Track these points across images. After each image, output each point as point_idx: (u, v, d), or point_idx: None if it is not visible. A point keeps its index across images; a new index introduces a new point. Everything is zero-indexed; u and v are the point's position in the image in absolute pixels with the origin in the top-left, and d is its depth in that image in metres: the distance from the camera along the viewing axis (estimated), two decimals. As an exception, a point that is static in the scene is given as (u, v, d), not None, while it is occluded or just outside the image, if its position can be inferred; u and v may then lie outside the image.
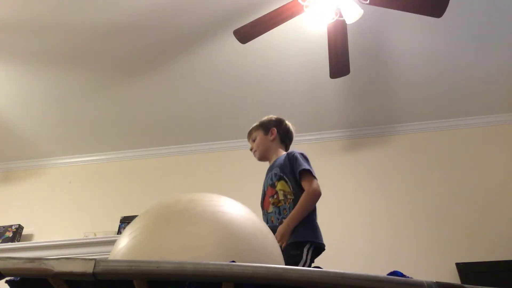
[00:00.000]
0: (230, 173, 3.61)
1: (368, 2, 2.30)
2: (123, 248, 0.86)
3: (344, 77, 2.78)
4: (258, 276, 0.67)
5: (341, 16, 2.35)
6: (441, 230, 3.06)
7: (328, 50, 2.60)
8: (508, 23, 2.85)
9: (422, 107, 3.52)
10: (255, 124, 2.03)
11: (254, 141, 1.98)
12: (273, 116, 2.04)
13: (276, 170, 1.78)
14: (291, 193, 1.70)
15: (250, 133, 2.02)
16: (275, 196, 1.73)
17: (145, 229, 0.88)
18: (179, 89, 3.32)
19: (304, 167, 1.70)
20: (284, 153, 1.91)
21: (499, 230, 3.00)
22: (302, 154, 1.80)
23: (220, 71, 3.17)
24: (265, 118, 2.04)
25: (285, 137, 2.00)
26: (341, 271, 0.69)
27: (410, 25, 2.84)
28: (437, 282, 0.69)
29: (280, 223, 1.64)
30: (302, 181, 1.69)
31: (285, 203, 1.69)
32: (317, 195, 1.65)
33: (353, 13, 2.31)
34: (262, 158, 1.96)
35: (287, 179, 1.73)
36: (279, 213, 1.68)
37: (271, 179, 1.79)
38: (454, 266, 2.82)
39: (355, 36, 2.77)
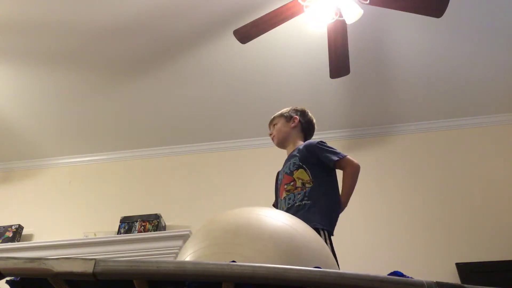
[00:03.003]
0: (231, 173, 3.61)
1: (368, 2, 2.30)
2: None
3: (344, 77, 2.78)
4: (258, 276, 0.67)
5: (341, 16, 2.35)
6: (441, 230, 3.06)
7: (328, 50, 2.60)
8: (508, 23, 2.85)
9: (422, 107, 3.52)
10: (278, 112, 2.04)
11: (274, 126, 2.00)
12: (297, 106, 2.05)
13: (295, 160, 1.79)
14: (310, 181, 1.71)
15: (272, 120, 2.04)
16: (292, 183, 1.74)
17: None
18: (179, 89, 3.32)
19: (334, 159, 1.73)
20: (302, 143, 1.91)
21: (499, 230, 2.99)
22: (322, 143, 1.81)
23: (220, 71, 3.17)
24: (288, 107, 2.05)
25: (307, 128, 2.01)
26: (341, 271, 0.69)
27: (410, 25, 2.84)
28: (437, 282, 0.69)
29: (290, 207, 1.67)
30: (340, 167, 1.75)
31: (302, 190, 1.70)
32: (357, 169, 1.72)
33: (353, 13, 2.31)
34: (280, 144, 1.98)
35: (307, 168, 1.74)
36: (293, 199, 1.70)
37: (289, 168, 1.80)
38: (454, 266, 2.82)
39: (355, 36, 2.77)
